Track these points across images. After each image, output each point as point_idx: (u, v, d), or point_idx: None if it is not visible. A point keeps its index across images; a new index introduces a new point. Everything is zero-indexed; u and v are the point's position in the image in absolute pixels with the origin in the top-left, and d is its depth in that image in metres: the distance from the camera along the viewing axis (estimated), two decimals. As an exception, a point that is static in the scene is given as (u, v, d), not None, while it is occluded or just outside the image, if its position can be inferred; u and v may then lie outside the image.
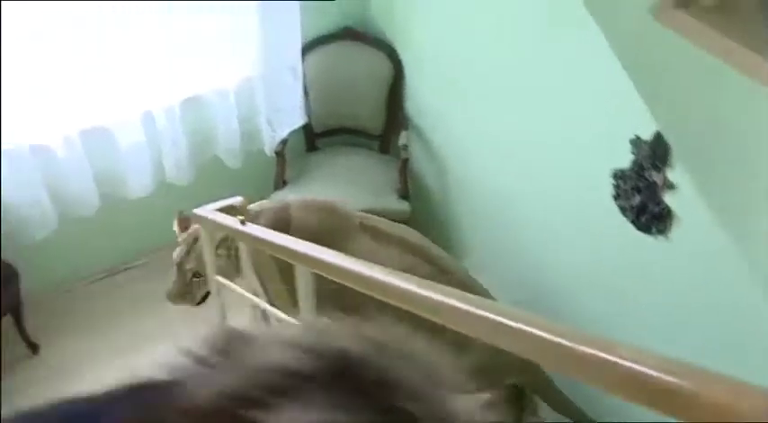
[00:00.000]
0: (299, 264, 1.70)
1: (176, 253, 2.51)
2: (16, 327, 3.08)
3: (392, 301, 1.38)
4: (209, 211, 2.33)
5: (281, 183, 3.41)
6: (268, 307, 2.22)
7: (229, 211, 2.34)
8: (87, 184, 3.11)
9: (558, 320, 1.07)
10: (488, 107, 2.95)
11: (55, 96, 2.91)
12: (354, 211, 2.68)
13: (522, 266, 3.04)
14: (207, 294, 2.56)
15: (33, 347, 3.17)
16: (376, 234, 2.55)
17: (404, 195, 3.36)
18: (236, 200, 2.48)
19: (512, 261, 3.12)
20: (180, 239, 2.54)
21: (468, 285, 2.40)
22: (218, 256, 2.42)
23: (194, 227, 2.49)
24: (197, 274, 2.50)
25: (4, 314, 2.98)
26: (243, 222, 2.03)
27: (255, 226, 1.99)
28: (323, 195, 3.29)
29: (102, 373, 3.12)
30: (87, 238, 3.00)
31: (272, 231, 1.89)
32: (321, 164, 3.53)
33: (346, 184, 3.38)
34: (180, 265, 2.50)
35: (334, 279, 1.58)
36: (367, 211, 2.93)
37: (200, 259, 2.45)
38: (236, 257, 2.44)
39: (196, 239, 2.46)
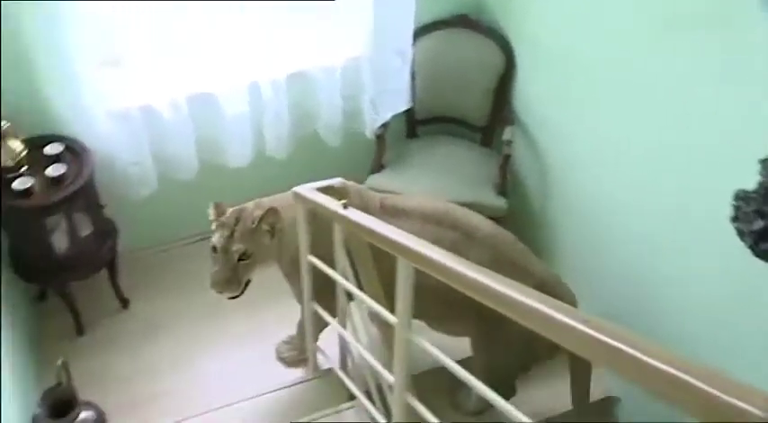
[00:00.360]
0: (400, 257, 1.65)
1: (217, 238, 2.40)
2: (110, 281, 3.18)
3: (492, 304, 1.33)
4: (308, 190, 2.31)
5: (378, 166, 3.37)
6: (357, 291, 2.19)
7: (328, 191, 2.31)
8: (189, 149, 3.16)
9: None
10: (601, 110, 2.81)
11: (167, 61, 2.97)
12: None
13: (616, 279, 2.90)
14: (248, 283, 2.47)
15: (124, 302, 3.26)
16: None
17: (501, 191, 3.27)
18: (336, 181, 2.45)
19: (605, 271, 2.98)
20: (214, 225, 2.44)
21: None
22: (260, 231, 2.40)
23: (232, 209, 2.44)
24: (243, 256, 2.40)
25: (100, 268, 3.07)
26: (345, 206, 2.00)
27: (358, 211, 1.95)
28: (420, 184, 3.25)
29: (186, 332, 3.20)
30: (184, 201, 3.04)
31: (376, 219, 1.84)
32: (420, 151, 3.47)
33: (444, 174, 3.32)
34: (225, 250, 2.38)
35: (434, 275, 1.53)
36: (462, 205, 2.87)
37: (245, 239, 2.38)
38: (279, 237, 2.47)
39: (238, 220, 2.39)
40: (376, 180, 3.32)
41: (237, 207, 2.46)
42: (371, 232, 1.79)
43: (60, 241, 2.88)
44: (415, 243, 1.61)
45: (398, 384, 1.86)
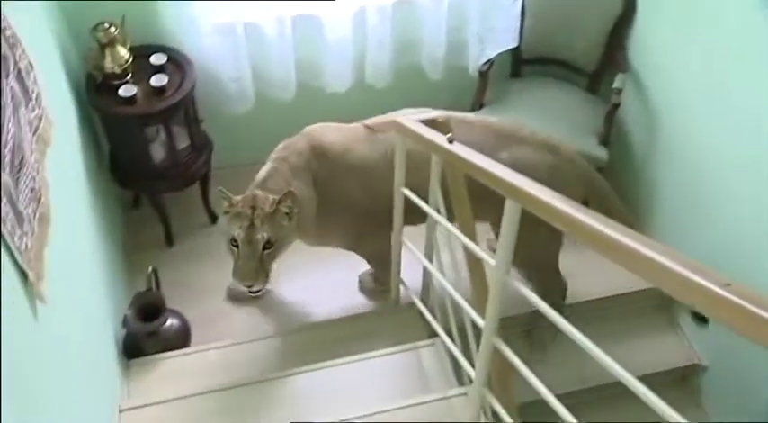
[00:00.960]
0: (508, 196, 1.58)
1: (236, 229, 2.26)
2: (201, 196, 3.22)
3: (610, 256, 1.26)
4: (410, 120, 2.24)
5: (478, 105, 3.27)
6: (450, 227, 2.13)
7: (431, 124, 2.24)
8: (288, 69, 3.13)
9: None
10: (723, 66, 2.62)
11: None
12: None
13: (716, 240, 2.76)
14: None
15: (213, 217, 3.31)
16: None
17: (604, 142, 3.12)
18: (439, 113, 2.37)
19: (705, 231, 2.84)
20: (228, 217, 2.30)
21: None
22: (279, 215, 2.29)
23: (242, 197, 2.32)
24: (267, 245, 2.29)
25: (194, 182, 3.11)
26: (451, 141, 1.93)
27: (465, 147, 1.88)
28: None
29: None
30: (279, 122, 3.02)
31: (483, 156, 1.77)
32: (523, 92, 3.34)
33: (545, 118, 3.18)
34: (248, 240, 2.26)
35: (541, 217, 1.46)
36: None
37: (266, 226, 2.26)
38: (297, 219, 2.37)
39: (254, 208, 2.27)
40: (476, 115, 3.22)
41: (247, 195, 2.33)
42: (479, 169, 1.72)
43: (158, 151, 2.92)
44: (527, 184, 1.53)
45: (489, 327, 1.82)
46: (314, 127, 2.58)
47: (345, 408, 2.33)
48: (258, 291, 2.37)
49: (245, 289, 2.34)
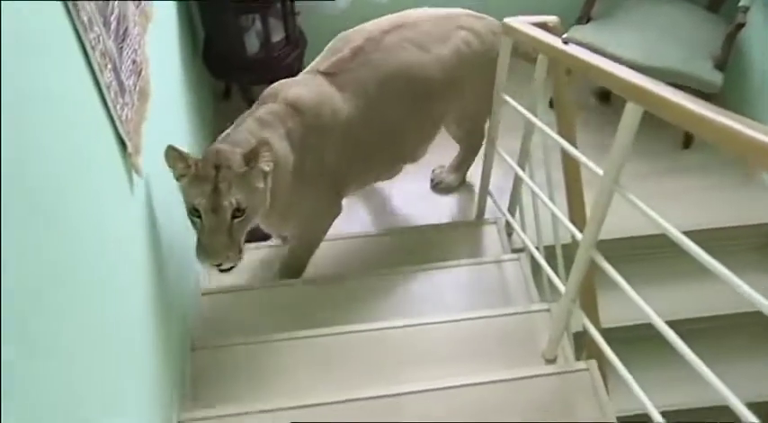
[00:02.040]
0: (629, 98, 1.47)
1: (197, 197, 1.81)
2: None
3: (728, 147, 1.16)
4: (521, 23, 2.12)
5: (585, 17, 3.09)
6: (548, 131, 2.02)
7: (542, 27, 2.11)
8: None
9: None
10: None
11: None
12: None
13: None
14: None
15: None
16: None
17: (720, 65, 2.91)
18: (550, 19, 2.23)
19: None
20: (185, 181, 1.85)
21: None
22: (255, 173, 1.87)
23: (203, 156, 1.87)
24: (237, 213, 1.84)
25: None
26: (566, 42, 1.81)
27: (581, 48, 1.76)
28: (626, 43, 2.95)
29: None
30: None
31: (603, 58, 1.65)
32: (635, 7, 3.13)
33: (656, 36, 2.98)
34: (213, 209, 1.80)
35: (668, 119, 1.35)
36: (669, 73, 2.57)
37: (237, 189, 1.82)
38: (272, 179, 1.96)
39: (218, 168, 1.81)
40: (579, 32, 3.05)
41: (208, 152, 1.87)
42: (599, 70, 1.61)
43: (252, 42, 2.88)
44: (651, 85, 1.42)
45: (587, 239, 1.74)
46: (276, 86, 2.21)
47: (425, 312, 2.31)
48: (229, 269, 1.90)
49: (213, 267, 1.88)
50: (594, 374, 1.98)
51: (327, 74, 2.25)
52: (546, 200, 2.10)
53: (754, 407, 1.27)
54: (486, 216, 2.85)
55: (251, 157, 1.85)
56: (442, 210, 3.03)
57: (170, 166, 1.84)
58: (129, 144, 1.68)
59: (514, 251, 2.67)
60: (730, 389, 1.29)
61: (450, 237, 2.78)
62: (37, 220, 1.04)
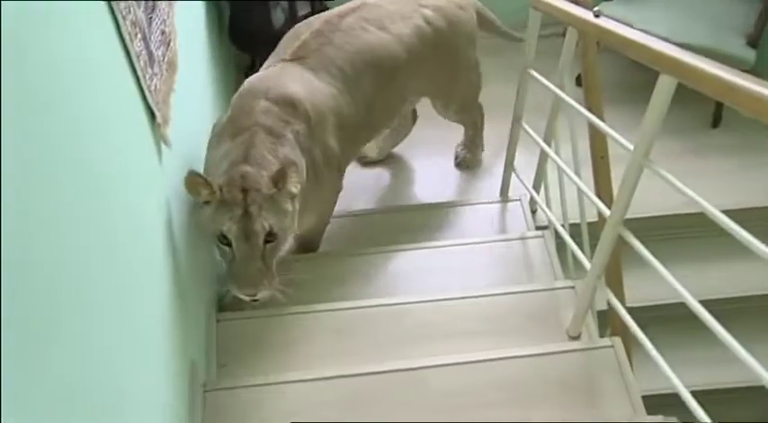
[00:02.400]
0: (663, 70, 1.44)
1: (226, 223, 1.72)
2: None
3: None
4: (550, -6, 2.09)
5: (612, -8, 3.05)
6: (575, 105, 2.00)
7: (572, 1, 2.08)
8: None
9: None
10: None
11: None
12: None
13: None
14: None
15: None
16: None
17: (753, 43, 2.86)
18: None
19: None
20: (210, 208, 1.75)
21: None
22: (283, 195, 1.79)
23: (225, 181, 1.76)
24: (270, 237, 1.76)
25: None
26: (597, 15, 1.78)
27: (612, 20, 1.73)
28: (655, 19, 2.90)
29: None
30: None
31: (634, 30, 1.62)
32: (667, -17, 3.08)
33: (686, 12, 2.94)
34: (245, 236, 1.73)
35: (704, 91, 1.32)
36: (700, 50, 2.52)
37: (268, 213, 1.74)
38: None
39: (245, 191, 1.73)
40: (606, 7, 3.02)
41: (233, 176, 1.76)
42: (632, 43, 1.58)
43: (278, 16, 2.88)
44: (685, 55, 1.39)
45: (615, 216, 1.72)
46: (256, 83, 2.06)
47: (448, 288, 2.31)
48: (264, 298, 1.80)
49: (247, 298, 1.79)
50: (619, 351, 1.97)
51: (296, 59, 2.14)
52: (572, 174, 2.08)
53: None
54: (511, 194, 2.84)
55: (278, 179, 1.76)
56: (466, 187, 3.02)
57: (192, 193, 1.75)
58: (158, 114, 1.69)
59: (539, 228, 2.65)
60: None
61: (475, 213, 2.77)
62: (67, 187, 1.05)
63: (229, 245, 1.74)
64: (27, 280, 0.85)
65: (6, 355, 0.77)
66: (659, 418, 1.78)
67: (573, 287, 2.23)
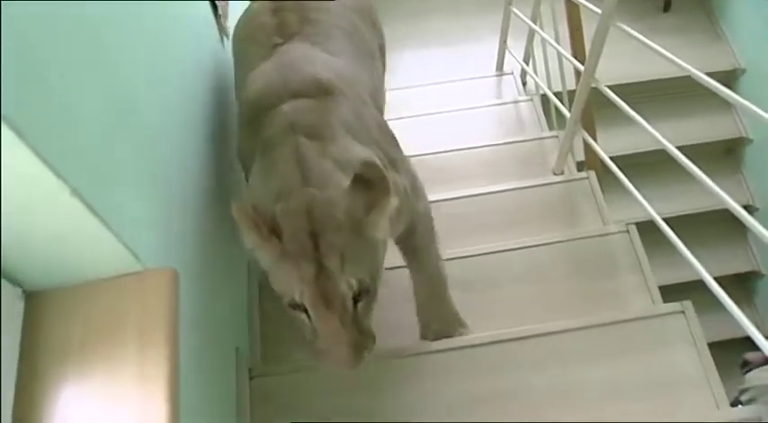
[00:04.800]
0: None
1: (299, 285, 1.21)
2: None
3: None
4: None
5: None
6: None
7: None
8: None
9: None
10: None
11: None
12: None
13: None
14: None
15: None
16: None
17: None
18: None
19: None
20: (270, 254, 1.23)
21: None
22: (379, 217, 1.24)
23: (280, 208, 1.24)
24: (359, 295, 1.24)
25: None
26: None
27: None
28: None
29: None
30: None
31: None
32: None
33: None
34: (327, 301, 1.21)
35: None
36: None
37: (355, 254, 1.22)
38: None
39: (315, 235, 1.20)
40: None
41: (295, 208, 1.23)
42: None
43: None
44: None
45: (588, 70, 2.18)
46: (263, 81, 1.56)
47: (453, 142, 2.80)
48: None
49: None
50: (593, 181, 2.47)
51: (288, 40, 1.68)
52: (552, 41, 2.54)
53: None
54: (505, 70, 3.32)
55: (370, 199, 1.22)
56: (463, 64, 3.49)
57: (243, 233, 1.23)
58: (219, 8, 2.11)
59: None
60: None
61: (472, 86, 3.25)
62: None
63: (306, 311, 1.24)
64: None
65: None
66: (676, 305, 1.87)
67: (556, 136, 2.73)
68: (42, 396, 0.95)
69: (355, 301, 1.24)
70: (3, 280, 0.97)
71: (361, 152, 1.39)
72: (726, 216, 3.28)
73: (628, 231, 2.17)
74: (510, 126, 2.95)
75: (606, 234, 2.17)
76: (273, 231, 1.21)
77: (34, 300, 1.02)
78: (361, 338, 1.25)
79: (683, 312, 1.79)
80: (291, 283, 1.22)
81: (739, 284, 3.57)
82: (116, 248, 0.99)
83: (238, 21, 1.93)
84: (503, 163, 2.68)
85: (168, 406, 0.94)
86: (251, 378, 1.76)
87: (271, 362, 1.94)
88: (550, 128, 2.91)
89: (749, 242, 3.57)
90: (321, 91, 1.47)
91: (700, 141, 3.38)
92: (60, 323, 1.01)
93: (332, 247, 1.20)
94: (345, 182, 1.27)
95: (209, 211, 1.61)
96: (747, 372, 2.52)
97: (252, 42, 1.75)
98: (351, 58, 1.72)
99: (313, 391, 1.73)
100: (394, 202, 1.23)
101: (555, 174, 2.59)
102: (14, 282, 1.00)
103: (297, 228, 1.21)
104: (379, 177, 1.21)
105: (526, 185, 2.49)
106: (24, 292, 1.02)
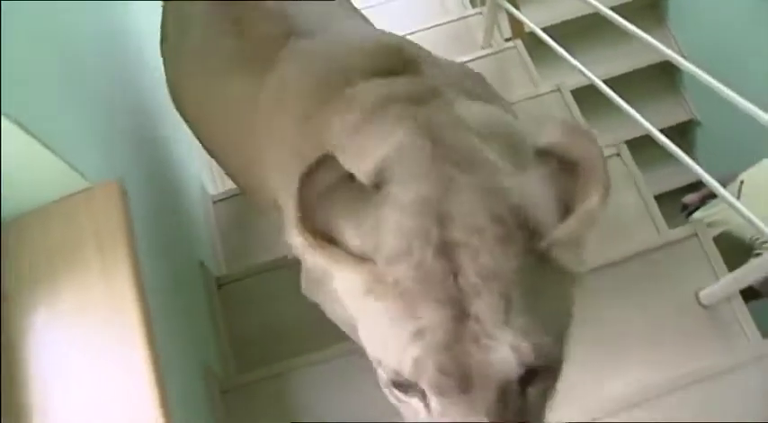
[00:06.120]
0: None
1: (414, 351, 0.69)
2: None
3: None
4: None
5: None
6: None
7: None
8: None
9: None
10: None
11: None
12: None
13: None
14: None
15: None
16: None
17: None
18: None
19: None
20: (351, 280, 0.74)
21: None
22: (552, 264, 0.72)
23: (395, 247, 0.72)
24: (532, 378, 0.71)
25: None
26: None
27: None
28: None
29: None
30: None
31: None
32: None
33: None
34: (469, 385, 0.68)
35: None
36: None
37: (520, 304, 0.69)
38: None
39: (456, 275, 0.69)
40: None
41: (414, 192, 0.76)
42: None
43: None
44: None
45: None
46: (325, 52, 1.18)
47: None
48: None
49: None
50: (521, 50, 2.50)
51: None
52: None
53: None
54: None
55: (572, 197, 0.75)
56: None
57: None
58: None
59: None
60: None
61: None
62: None
63: (424, 398, 0.73)
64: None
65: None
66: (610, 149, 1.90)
67: (481, 13, 2.73)
68: (16, 327, 0.98)
69: (523, 384, 0.71)
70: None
71: (496, 113, 0.96)
72: (655, 72, 3.41)
73: (560, 90, 2.22)
74: (434, 8, 2.94)
75: (538, 95, 2.22)
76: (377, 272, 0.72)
77: (-8, 232, 1.03)
78: None
79: (618, 155, 1.87)
80: (399, 343, 0.70)
81: (681, 138, 3.70)
82: (62, 169, 1.00)
83: None
84: (430, 47, 2.68)
85: (139, 316, 0.97)
86: (219, 287, 1.79)
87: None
88: (473, 6, 2.91)
89: (682, 94, 3.67)
90: (408, 62, 1.09)
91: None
92: (23, 252, 1.03)
93: (487, 278, 0.69)
94: (504, 163, 0.79)
95: (153, 123, 1.64)
96: (689, 214, 2.67)
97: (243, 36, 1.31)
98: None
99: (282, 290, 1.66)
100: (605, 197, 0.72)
101: (483, 48, 2.62)
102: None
103: (419, 238, 0.71)
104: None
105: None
106: (-20, 226, 1.03)
